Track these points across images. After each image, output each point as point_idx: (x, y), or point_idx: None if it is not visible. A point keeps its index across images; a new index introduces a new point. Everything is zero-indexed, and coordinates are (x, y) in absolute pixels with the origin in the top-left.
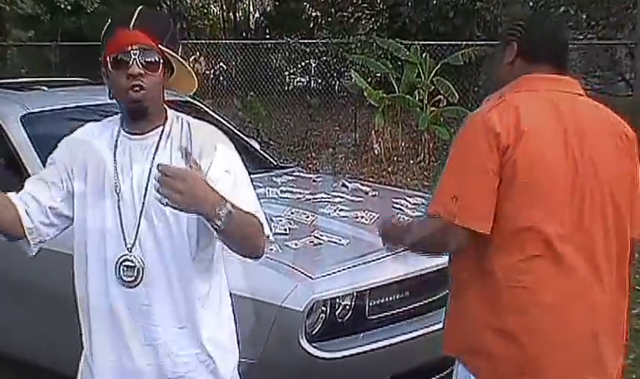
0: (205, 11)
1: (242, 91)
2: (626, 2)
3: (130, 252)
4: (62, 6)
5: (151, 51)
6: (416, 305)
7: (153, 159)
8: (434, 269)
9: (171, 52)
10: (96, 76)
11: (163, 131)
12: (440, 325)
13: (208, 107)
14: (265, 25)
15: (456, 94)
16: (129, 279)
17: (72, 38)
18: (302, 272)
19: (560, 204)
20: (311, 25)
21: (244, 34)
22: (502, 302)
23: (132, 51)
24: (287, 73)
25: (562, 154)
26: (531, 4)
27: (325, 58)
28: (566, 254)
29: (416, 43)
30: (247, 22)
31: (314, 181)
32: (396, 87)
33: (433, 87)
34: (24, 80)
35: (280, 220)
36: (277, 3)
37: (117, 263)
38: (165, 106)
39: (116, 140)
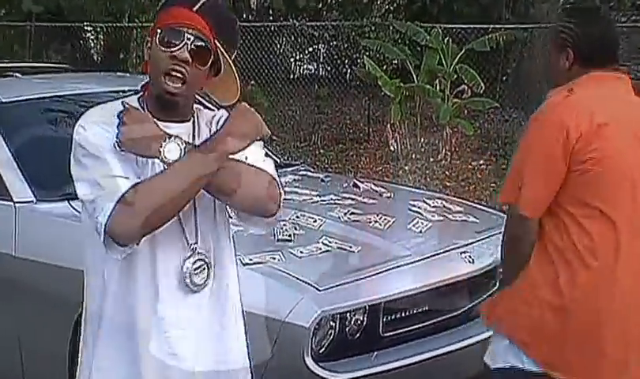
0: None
1: (243, 80)
2: None
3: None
4: None
5: (205, 42)
6: (435, 321)
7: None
8: (456, 280)
9: (224, 52)
10: (76, 62)
11: (194, 124)
12: (462, 343)
13: (202, 98)
14: (268, 6)
15: (482, 83)
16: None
17: (49, 18)
18: (308, 283)
19: (623, 192)
20: (320, 6)
21: (244, 15)
22: (565, 281)
23: (186, 33)
24: (292, 59)
25: (630, 147)
26: None
27: (335, 42)
28: (626, 240)
29: (438, 26)
30: (248, 2)
31: (322, 180)
32: (414, 76)
33: (456, 75)
34: None
35: (285, 225)
36: None
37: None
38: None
39: None
